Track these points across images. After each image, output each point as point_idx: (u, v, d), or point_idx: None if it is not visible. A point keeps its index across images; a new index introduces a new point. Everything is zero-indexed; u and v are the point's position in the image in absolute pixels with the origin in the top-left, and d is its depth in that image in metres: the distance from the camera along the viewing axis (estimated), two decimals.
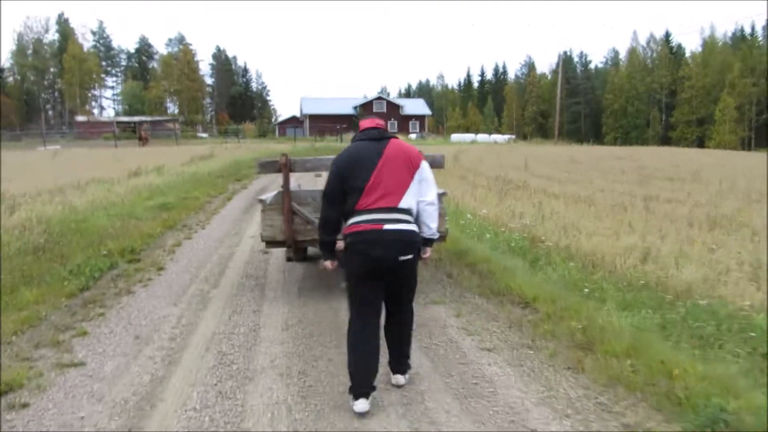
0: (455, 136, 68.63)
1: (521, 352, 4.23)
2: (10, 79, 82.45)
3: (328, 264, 3.68)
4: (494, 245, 7.95)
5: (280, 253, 7.76)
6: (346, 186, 3.45)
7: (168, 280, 6.44)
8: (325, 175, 3.85)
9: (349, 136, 57.09)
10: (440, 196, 4.80)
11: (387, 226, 3.34)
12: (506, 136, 69.35)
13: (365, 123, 3.68)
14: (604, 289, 5.63)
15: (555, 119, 65.90)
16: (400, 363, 3.70)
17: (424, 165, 3.60)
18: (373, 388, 3.41)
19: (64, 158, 27.55)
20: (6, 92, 78.82)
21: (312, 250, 6.94)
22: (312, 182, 9.78)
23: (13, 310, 5.00)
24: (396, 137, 3.64)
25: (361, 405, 3.32)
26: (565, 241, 8.04)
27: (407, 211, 3.44)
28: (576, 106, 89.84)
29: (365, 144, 3.54)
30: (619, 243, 7.86)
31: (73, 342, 4.46)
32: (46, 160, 26.53)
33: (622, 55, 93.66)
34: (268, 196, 5.92)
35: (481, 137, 67.29)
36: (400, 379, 3.67)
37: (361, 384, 3.37)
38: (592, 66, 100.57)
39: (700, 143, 72.19)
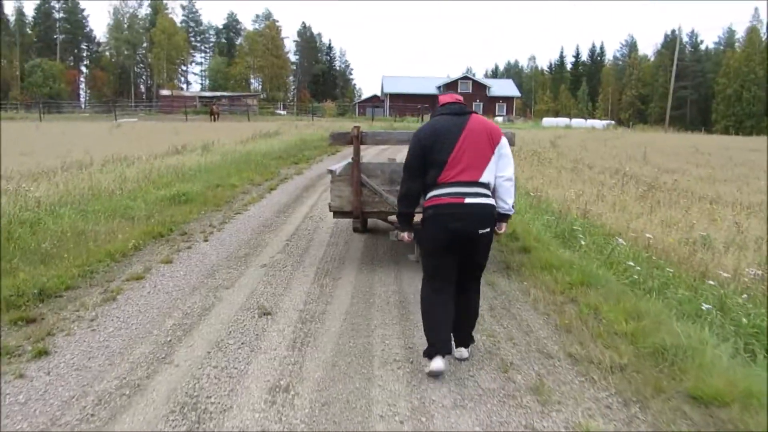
0: (547, 120, 62.90)
1: None
2: (107, 53, 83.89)
3: (405, 236, 3.66)
4: (700, 320, 4.15)
5: (282, 324, 4.17)
6: (428, 159, 3.38)
7: (24, 404, 2.97)
8: (399, 159, 3.51)
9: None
10: None
11: (468, 200, 3.30)
12: (605, 122, 62.78)
13: (444, 98, 3.59)
14: None
15: (665, 104, 59.28)
16: (464, 338, 3.58)
17: (504, 141, 3.49)
18: (449, 351, 3.40)
19: (121, 132, 25.47)
20: (102, 66, 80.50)
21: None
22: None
23: None
24: (476, 113, 3.49)
25: (437, 363, 3.27)
26: None
27: (487, 186, 3.38)
28: (682, 90, 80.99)
29: (447, 118, 3.44)
30: None
31: None
32: (102, 133, 24.46)
33: (740, 35, 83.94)
34: (338, 166, 5.91)
35: (576, 122, 61.24)
36: (463, 352, 3.57)
37: (437, 345, 3.31)
38: (702, 47, 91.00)
39: None
